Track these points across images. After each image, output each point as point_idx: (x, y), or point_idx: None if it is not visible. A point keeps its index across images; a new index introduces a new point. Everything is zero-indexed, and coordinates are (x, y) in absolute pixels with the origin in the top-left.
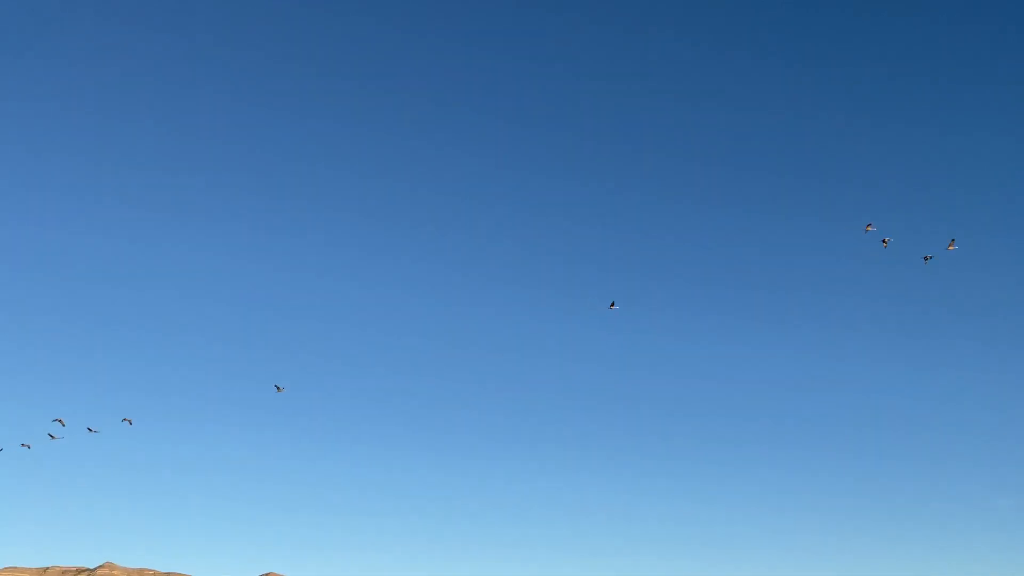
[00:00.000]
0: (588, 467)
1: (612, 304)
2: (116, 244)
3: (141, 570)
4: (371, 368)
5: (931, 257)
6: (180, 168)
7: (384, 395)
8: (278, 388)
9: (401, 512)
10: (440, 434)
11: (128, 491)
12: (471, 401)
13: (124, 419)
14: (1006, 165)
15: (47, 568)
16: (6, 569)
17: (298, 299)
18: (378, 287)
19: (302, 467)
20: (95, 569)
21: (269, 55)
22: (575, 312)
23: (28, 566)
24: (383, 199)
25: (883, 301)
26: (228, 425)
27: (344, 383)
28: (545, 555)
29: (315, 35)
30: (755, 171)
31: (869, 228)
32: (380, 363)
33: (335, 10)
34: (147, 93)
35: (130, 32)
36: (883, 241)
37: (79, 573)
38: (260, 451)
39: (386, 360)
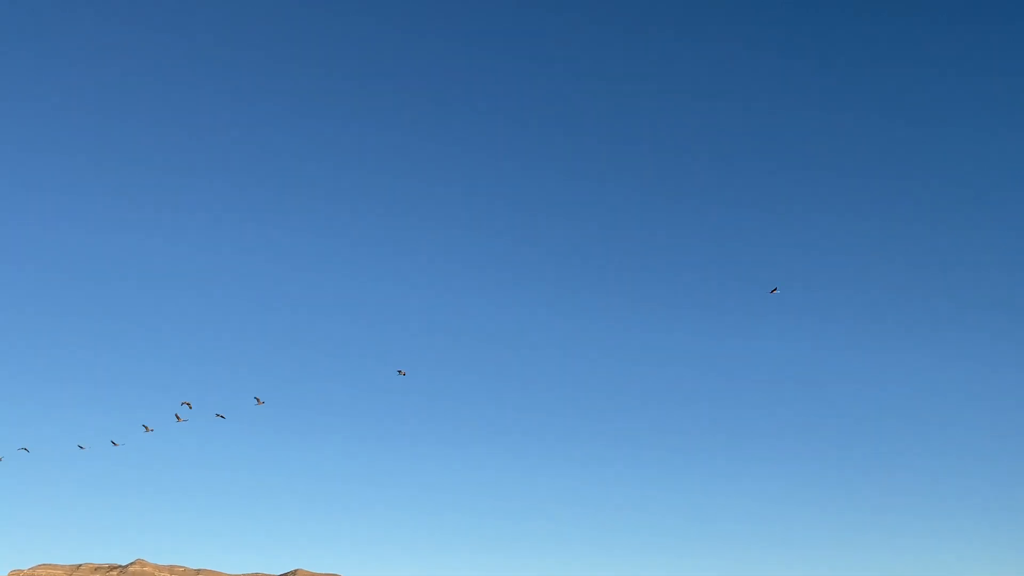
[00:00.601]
0: (600, 462)
1: (774, 289)
2: (123, 242)
3: (172, 567)
4: (391, 368)
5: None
6: (188, 167)
7: (405, 395)
8: (401, 372)
9: (423, 509)
10: (459, 433)
11: (159, 490)
12: (488, 400)
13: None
14: (1008, 163)
15: (80, 565)
16: (41, 566)
17: (315, 300)
18: (391, 286)
19: (329, 466)
20: (127, 566)
21: (271, 55)
22: (583, 309)
23: (62, 563)
24: (390, 198)
25: (900, 297)
26: (256, 425)
27: (366, 383)
28: (559, 550)
29: (319, 35)
30: (758, 169)
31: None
32: (400, 363)
33: (338, 10)
34: (149, 93)
35: (131, 32)
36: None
37: (111, 570)
38: (288, 451)
39: (405, 360)
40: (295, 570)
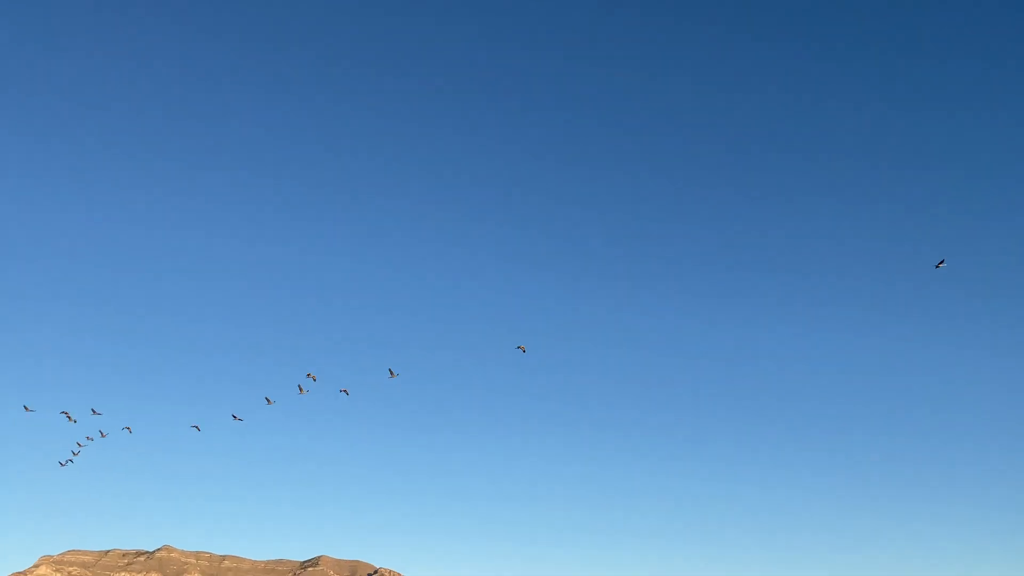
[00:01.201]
0: (611, 457)
1: (941, 262)
2: (137, 236)
3: (198, 553)
4: (406, 365)
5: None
6: (203, 165)
7: (425, 388)
8: (521, 348)
9: (445, 497)
10: (479, 424)
11: (185, 478)
12: (508, 392)
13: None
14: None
15: (108, 551)
16: (69, 552)
17: (333, 291)
18: (400, 285)
19: (352, 456)
20: (154, 552)
21: (283, 55)
22: (594, 302)
23: (90, 549)
24: (409, 195)
25: (908, 291)
26: (280, 416)
27: (382, 377)
28: (574, 540)
29: (334, 30)
30: (765, 165)
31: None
32: (410, 360)
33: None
34: (167, 91)
35: (138, 31)
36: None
37: (139, 556)
38: (312, 441)
39: (416, 356)
40: (319, 556)
